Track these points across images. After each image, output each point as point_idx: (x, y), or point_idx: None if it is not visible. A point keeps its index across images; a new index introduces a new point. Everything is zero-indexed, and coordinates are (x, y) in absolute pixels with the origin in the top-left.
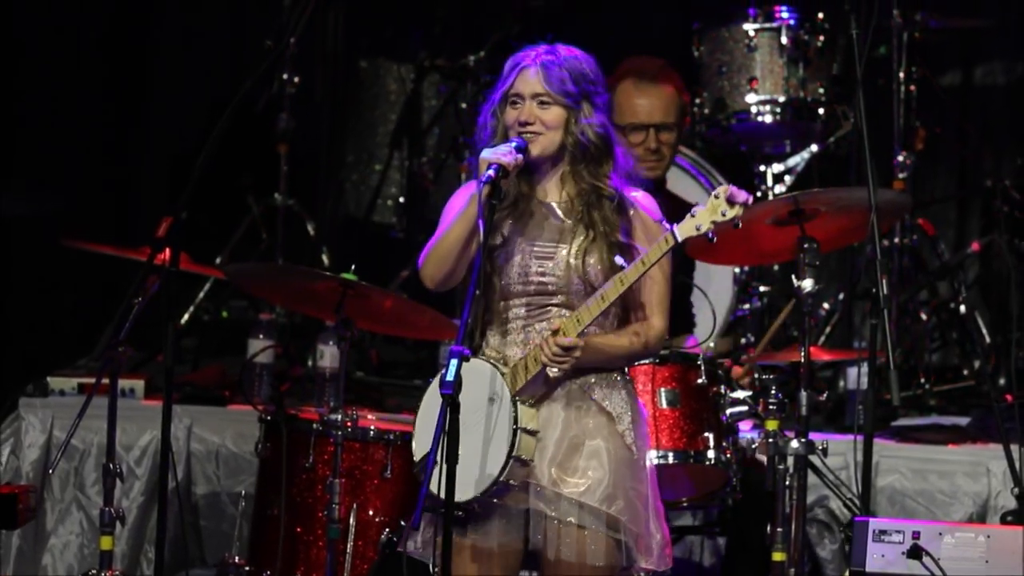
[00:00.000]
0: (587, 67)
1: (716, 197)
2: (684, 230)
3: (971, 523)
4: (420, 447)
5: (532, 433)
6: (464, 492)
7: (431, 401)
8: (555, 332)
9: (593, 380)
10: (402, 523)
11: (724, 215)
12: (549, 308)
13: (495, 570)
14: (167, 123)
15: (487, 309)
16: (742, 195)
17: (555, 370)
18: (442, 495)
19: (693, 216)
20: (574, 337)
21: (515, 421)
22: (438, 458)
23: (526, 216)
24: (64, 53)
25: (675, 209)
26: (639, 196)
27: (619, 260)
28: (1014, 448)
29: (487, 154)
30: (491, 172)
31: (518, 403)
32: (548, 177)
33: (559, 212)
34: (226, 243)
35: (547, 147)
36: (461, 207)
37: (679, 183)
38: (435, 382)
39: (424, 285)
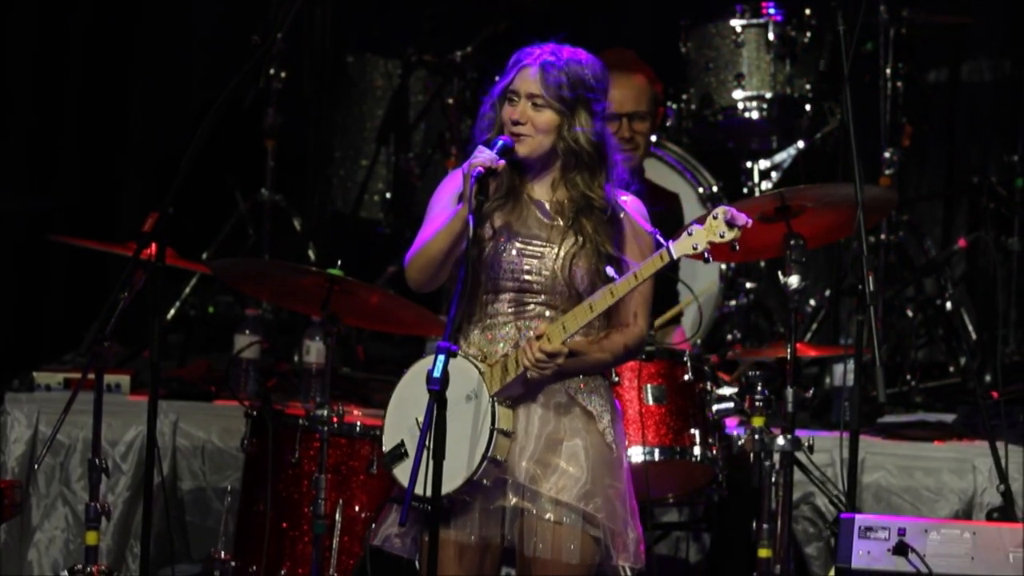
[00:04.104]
0: (588, 72)
1: (715, 218)
2: (680, 248)
3: (957, 520)
4: (390, 438)
5: (507, 434)
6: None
7: (405, 392)
8: (539, 337)
9: (573, 381)
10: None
11: (723, 236)
12: (532, 306)
13: (477, 566)
14: (154, 118)
15: (469, 303)
16: (742, 218)
17: (535, 374)
18: (418, 491)
19: (690, 235)
20: (558, 344)
21: (493, 422)
22: (412, 453)
23: (517, 211)
24: (50, 47)
25: (655, 197)
26: (629, 201)
27: (610, 271)
28: (1000, 445)
29: (467, 165)
30: (480, 170)
31: (496, 404)
32: (539, 177)
33: (550, 212)
34: (213, 238)
35: (535, 149)
36: (447, 204)
37: (664, 178)
38: (409, 373)
39: (409, 286)
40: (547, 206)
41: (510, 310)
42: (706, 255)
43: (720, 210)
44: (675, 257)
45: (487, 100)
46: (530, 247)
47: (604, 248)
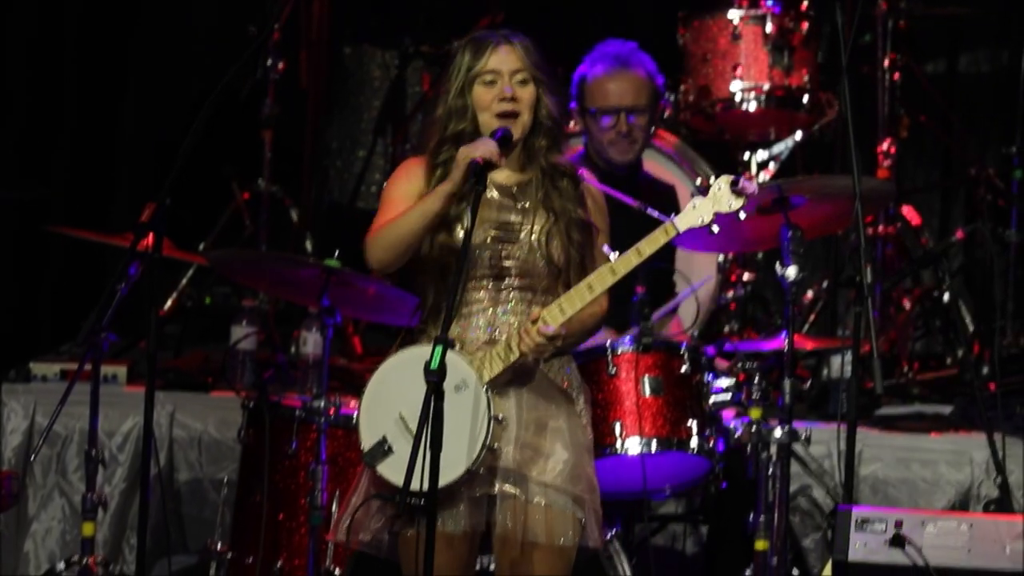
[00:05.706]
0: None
1: (719, 188)
2: (686, 221)
3: (954, 512)
4: (370, 435)
5: (500, 422)
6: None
7: (382, 388)
8: (534, 321)
9: (551, 363)
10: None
11: (730, 206)
12: (509, 291)
13: (466, 555)
14: (151, 109)
15: (442, 293)
16: (751, 186)
17: (532, 358)
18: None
19: (695, 207)
20: (557, 327)
21: (490, 411)
22: (397, 449)
23: (487, 199)
24: (47, 37)
25: (654, 190)
26: (583, 172)
27: (607, 250)
28: (997, 437)
29: (465, 151)
30: (477, 160)
31: (489, 392)
32: (510, 159)
33: (520, 194)
34: (210, 229)
35: (524, 128)
36: (405, 191)
37: (661, 169)
38: (382, 369)
39: (368, 264)
40: (517, 189)
41: (486, 296)
42: (713, 226)
43: (724, 179)
44: (681, 230)
45: (443, 94)
46: (503, 232)
47: (576, 215)
